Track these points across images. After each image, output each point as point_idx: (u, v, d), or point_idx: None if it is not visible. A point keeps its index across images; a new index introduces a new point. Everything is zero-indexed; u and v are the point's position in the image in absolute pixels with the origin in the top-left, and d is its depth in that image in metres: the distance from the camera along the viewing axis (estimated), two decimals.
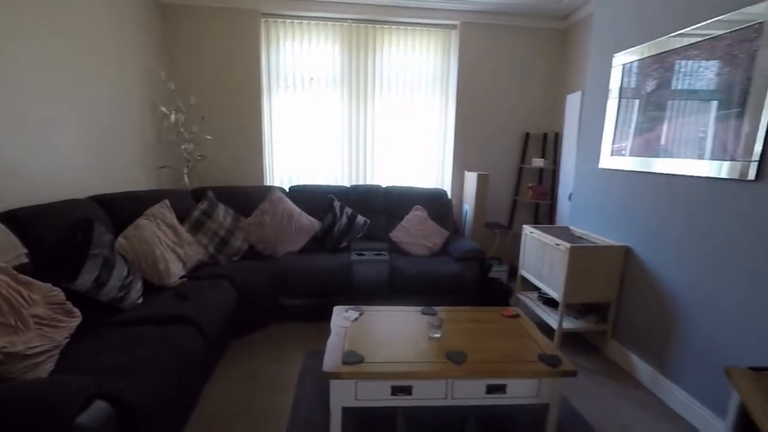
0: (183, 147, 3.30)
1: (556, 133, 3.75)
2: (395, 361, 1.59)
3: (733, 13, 1.68)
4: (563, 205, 3.44)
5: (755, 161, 1.58)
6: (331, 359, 1.58)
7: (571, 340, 2.65)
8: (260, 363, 2.28)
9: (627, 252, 2.35)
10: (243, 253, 2.99)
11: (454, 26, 3.65)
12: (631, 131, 2.31)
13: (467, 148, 3.83)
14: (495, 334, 1.87)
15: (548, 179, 3.87)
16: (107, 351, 1.54)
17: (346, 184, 3.77)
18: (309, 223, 3.20)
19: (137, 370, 1.43)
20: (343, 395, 1.55)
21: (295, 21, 3.52)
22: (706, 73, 1.84)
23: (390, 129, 3.78)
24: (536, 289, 2.87)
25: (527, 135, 3.85)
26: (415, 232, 3.29)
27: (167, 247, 2.40)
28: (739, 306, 1.68)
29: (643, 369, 2.21)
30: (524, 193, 3.91)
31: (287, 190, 3.44)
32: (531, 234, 2.82)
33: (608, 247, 2.37)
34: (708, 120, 1.82)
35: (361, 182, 3.82)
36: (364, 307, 2.09)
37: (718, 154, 1.76)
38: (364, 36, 3.60)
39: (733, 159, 1.69)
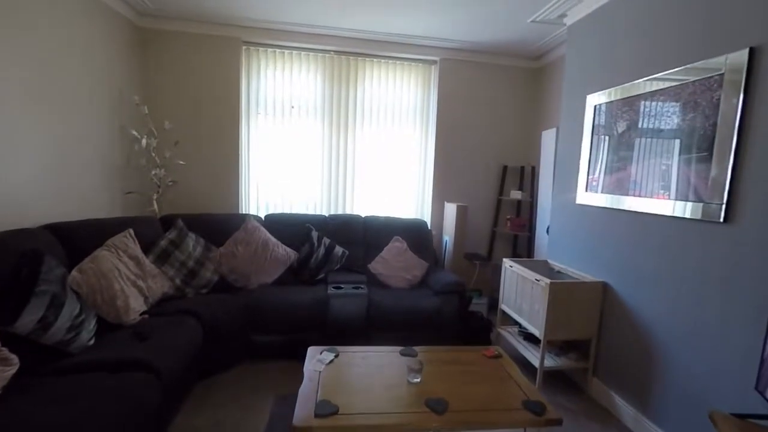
0: (153, 172, 3.16)
1: (532, 166, 3.84)
2: (372, 413, 1.47)
3: (696, 63, 1.78)
4: (541, 238, 3.48)
5: (723, 204, 1.63)
6: (302, 410, 1.45)
7: (553, 378, 2.59)
8: (226, 409, 2.09)
9: (604, 287, 2.35)
10: (213, 285, 2.82)
11: (434, 62, 3.76)
12: (605, 169, 2.38)
13: (447, 180, 3.86)
14: (477, 377, 1.79)
15: (526, 211, 3.93)
16: (45, 405, 1.36)
17: (325, 213, 3.69)
18: (285, 253, 3.08)
19: (77, 428, 1.26)
20: None
21: (277, 50, 3.53)
22: (673, 118, 1.92)
23: (370, 159, 3.77)
24: (517, 323, 2.83)
25: (505, 168, 3.92)
26: (395, 264, 3.22)
27: (128, 280, 2.22)
28: (716, 346, 1.68)
29: (625, 410, 2.17)
30: (503, 225, 3.94)
31: (263, 218, 3.33)
32: (511, 268, 2.80)
33: (587, 283, 2.37)
34: (677, 162, 1.89)
35: (340, 212, 3.75)
36: (339, 348, 1.97)
37: (688, 195, 1.81)
38: (345, 67, 3.64)
39: (701, 201, 1.73)
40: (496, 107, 3.88)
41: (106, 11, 2.81)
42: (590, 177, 2.50)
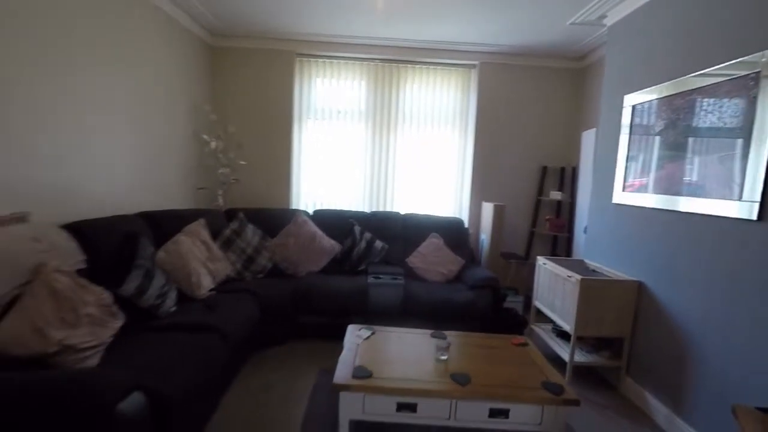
0: (220, 171, 3.62)
1: (573, 167, 3.82)
2: (402, 378, 1.68)
3: (735, 60, 1.79)
4: (580, 238, 3.47)
5: (757, 202, 1.63)
6: (341, 372, 1.69)
7: (585, 375, 2.62)
8: (276, 376, 2.40)
9: (639, 287, 2.36)
10: (267, 271, 3.18)
11: (473, 66, 3.88)
12: (642, 169, 2.39)
13: (485, 180, 3.96)
14: (501, 360, 1.93)
15: (566, 212, 3.91)
16: (144, 351, 1.72)
17: (367, 210, 3.96)
18: (330, 245, 3.38)
19: (169, 368, 1.60)
20: (351, 408, 1.64)
21: (326, 60, 3.87)
22: (712, 116, 1.93)
23: (410, 160, 3.99)
24: (550, 321, 2.88)
25: (545, 168, 3.94)
26: (431, 259, 3.39)
27: (200, 262, 2.62)
28: (751, 346, 1.67)
29: (658, 408, 2.17)
30: (542, 225, 3.95)
31: (311, 213, 3.66)
32: (544, 265, 2.87)
33: (620, 281, 2.39)
34: (713, 160, 1.89)
35: (380, 209, 4.00)
36: (376, 327, 2.20)
37: (724, 194, 1.81)
38: (389, 74, 3.89)
39: (737, 199, 1.73)
40: (536, 108, 3.91)
41: (186, 35, 3.31)
42: (627, 177, 2.51)
